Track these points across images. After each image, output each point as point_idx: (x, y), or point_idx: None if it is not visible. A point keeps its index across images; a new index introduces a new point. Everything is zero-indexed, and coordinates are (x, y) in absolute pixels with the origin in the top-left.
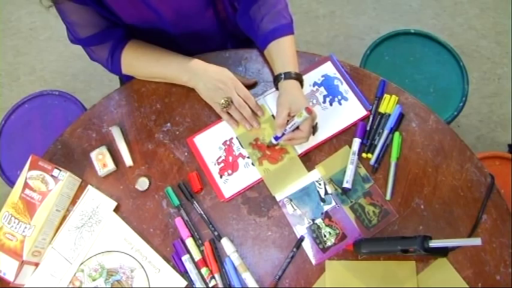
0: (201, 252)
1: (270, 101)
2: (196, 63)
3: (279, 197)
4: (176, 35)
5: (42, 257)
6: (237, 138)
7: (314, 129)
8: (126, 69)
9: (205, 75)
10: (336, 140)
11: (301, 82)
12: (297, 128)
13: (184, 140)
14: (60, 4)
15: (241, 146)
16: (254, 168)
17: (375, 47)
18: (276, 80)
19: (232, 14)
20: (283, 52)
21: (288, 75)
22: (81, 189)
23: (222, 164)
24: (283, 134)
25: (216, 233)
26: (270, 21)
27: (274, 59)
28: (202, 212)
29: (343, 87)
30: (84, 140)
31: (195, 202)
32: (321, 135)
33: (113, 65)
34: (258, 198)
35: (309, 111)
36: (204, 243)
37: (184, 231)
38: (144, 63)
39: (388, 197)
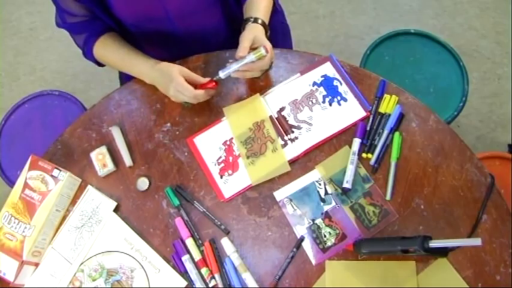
0: (201, 252)
1: (269, 100)
2: (153, 71)
3: (278, 197)
4: (180, 34)
5: (42, 257)
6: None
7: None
8: (99, 60)
9: (161, 82)
10: (336, 140)
11: (266, 31)
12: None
13: (184, 140)
14: None
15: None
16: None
17: (375, 47)
18: (244, 23)
19: (238, 9)
20: (257, 4)
21: (255, 20)
22: (81, 189)
23: (223, 164)
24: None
25: (222, 227)
26: None
27: (246, 10)
28: (205, 210)
29: (343, 88)
30: (84, 140)
31: (195, 202)
32: (321, 135)
33: (86, 54)
34: (258, 198)
35: (266, 50)
36: (204, 243)
37: (184, 231)
38: (112, 59)
39: (388, 197)
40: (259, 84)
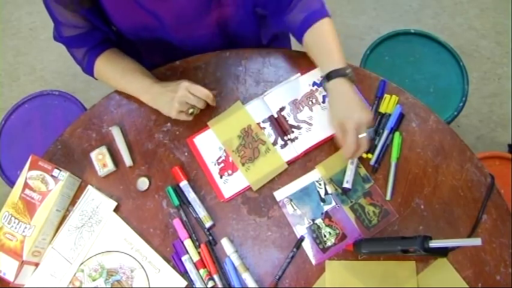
0: (199, 253)
1: (269, 101)
2: (155, 86)
3: (278, 196)
4: (177, 42)
5: (42, 257)
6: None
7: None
8: (97, 75)
9: (163, 95)
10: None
11: (352, 79)
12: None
13: (184, 140)
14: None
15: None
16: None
17: (375, 47)
18: (324, 81)
19: (237, 18)
20: (322, 40)
21: (335, 74)
22: (81, 189)
23: (222, 164)
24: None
25: (211, 237)
26: (300, 10)
27: (315, 53)
28: (199, 216)
29: None
30: (84, 140)
31: (190, 206)
32: (321, 135)
33: (87, 67)
34: (258, 198)
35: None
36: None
37: (182, 233)
38: (111, 75)
39: (388, 197)
40: (260, 85)
